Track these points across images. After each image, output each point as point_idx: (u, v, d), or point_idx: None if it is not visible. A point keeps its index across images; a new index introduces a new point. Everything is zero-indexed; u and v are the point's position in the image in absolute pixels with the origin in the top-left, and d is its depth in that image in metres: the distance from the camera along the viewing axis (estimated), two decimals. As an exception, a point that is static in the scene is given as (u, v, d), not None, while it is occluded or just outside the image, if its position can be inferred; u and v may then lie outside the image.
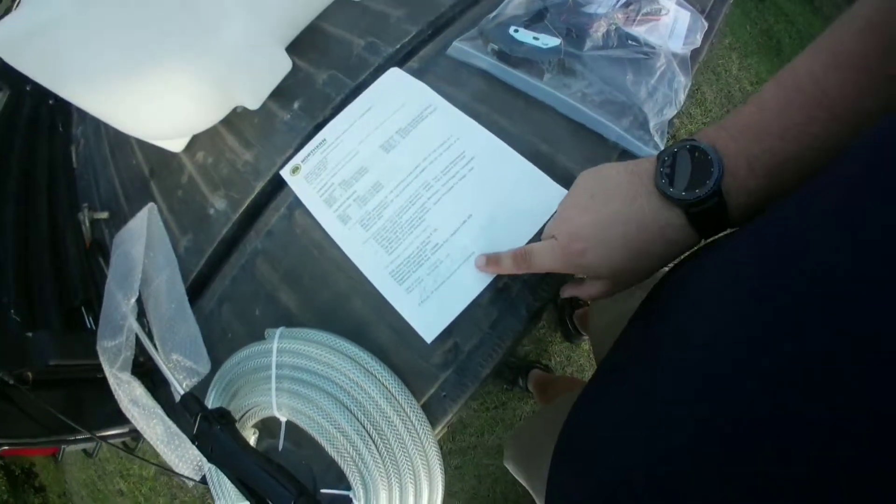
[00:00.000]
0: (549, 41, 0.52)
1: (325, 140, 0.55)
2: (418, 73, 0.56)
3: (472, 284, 0.45)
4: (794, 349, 0.22)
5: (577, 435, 0.43)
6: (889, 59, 0.28)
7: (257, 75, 0.59)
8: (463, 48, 0.55)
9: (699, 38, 0.58)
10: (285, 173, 0.55)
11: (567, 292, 0.44)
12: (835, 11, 2.05)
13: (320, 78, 0.60)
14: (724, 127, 0.33)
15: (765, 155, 0.31)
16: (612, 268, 0.37)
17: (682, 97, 0.52)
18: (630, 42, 0.54)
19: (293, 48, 0.62)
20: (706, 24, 0.60)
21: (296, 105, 0.59)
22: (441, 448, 1.35)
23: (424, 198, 0.49)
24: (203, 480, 0.48)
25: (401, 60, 0.58)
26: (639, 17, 0.57)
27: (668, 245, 0.35)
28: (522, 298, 0.45)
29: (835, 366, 0.19)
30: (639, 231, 0.35)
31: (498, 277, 0.45)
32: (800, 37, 2.00)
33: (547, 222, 0.43)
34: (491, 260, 0.44)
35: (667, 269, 0.43)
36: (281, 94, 0.60)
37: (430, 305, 0.45)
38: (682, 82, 0.53)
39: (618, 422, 0.38)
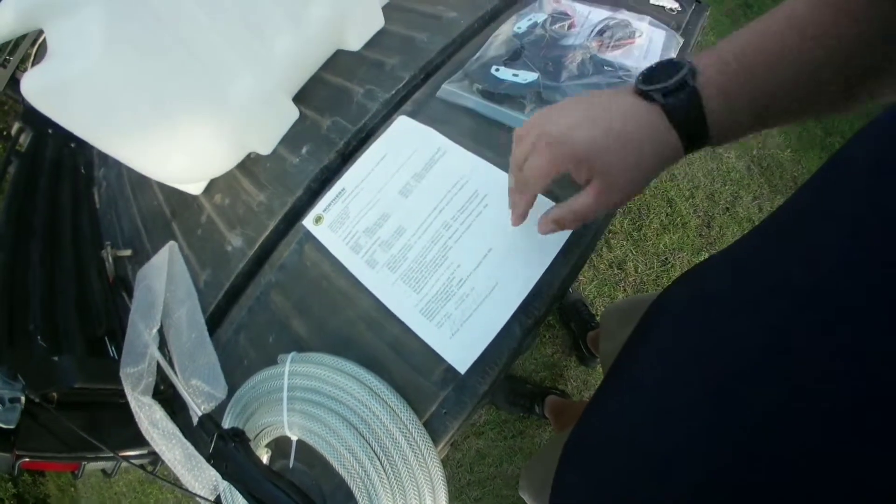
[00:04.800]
0: (528, 76, 0.56)
1: (344, 189, 0.58)
2: (412, 116, 0.60)
3: (499, 314, 0.47)
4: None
5: (574, 443, 0.45)
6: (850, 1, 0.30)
7: (268, 124, 0.64)
8: (451, 90, 0.60)
9: (674, 54, 0.61)
10: (308, 224, 0.58)
11: (549, 217, 0.41)
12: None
13: (324, 124, 0.65)
14: (707, 48, 0.36)
15: (734, 60, 0.34)
16: (601, 153, 0.35)
17: (660, 113, 0.55)
18: (606, 68, 0.57)
19: (299, 98, 0.68)
20: (682, 40, 0.63)
21: (304, 150, 0.64)
22: (460, 480, 1.34)
23: (445, 237, 0.52)
24: (218, 500, 0.50)
25: (396, 105, 0.63)
26: (613, 43, 0.60)
27: (653, 135, 0.35)
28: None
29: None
30: (623, 120, 0.35)
31: (522, 306, 0.47)
32: (791, 38, 2.01)
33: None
34: (513, 212, 0.44)
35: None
36: (290, 140, 0.66)
37: (461, 338, 0.47)
38: (660, 100, 0.56)
39: (608, 432, 0.41)
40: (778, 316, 0.24)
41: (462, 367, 0.46)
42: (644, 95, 0.36)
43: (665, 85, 0.34)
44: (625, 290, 1.49)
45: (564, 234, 0.49)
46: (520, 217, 0.44)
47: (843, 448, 0.19)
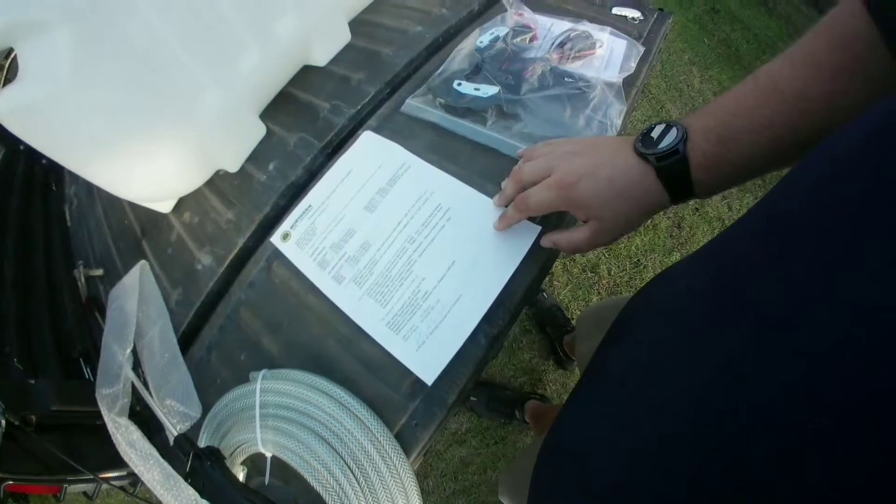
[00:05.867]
0: (489, 90, 0.58)
1: (310, 206, 0.59)
2: (377, 131, 0.61)
3: (463, 325, 0.48)
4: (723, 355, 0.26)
5: (550, 446, 0.46)
6: (833, 55, 0.34)
7: (235, 141, 0.65)
8: (415, 104, 0.61)
9: (634, 64, 0.63)
10: (276, 241, 0.59)
11: (551, 237, 0.48)
12: (790, 10, 2.12)
13: (291, 140, 0.65)
14: (694, 111, 0.41)
15: (718, 127, 0.38)
16: (601, 204, 0.42)
17: (618, 122, 0.57)
18: (566, 79, 0.59)
19: (266, 114, 0.69)
20: (642, 49, 0.65)
21: (271, 166, 0.64)
22: (445, 489, 1.34)
23: (410, 251, 0.53)
24: (198, 519, 0.51)
25: (362, 120, 0.64)
26: (573, 54, 0.62)
27: (645, 194, 0.41)
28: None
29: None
30: (623, 176, 0.41)
31: (487, 316, 0.48)
32: (757, 41, 2.06)
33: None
34: (500, 219, 0.50)
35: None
36: (257, 157, 0.66)
37: (427, 350, 0.48)
38: (618, 108, 0.58)
39: (583, 434, 0.42)
40: (768, 316, 0.24)
41: (429, 378, 0.47)
42: (641, 156, 0.41)
43: (659, 151, 0.40)
44: (599, 293, 1.52)
45: (526, 245, 0.50)
46: (507, 227, 0.50)
47: (838, 450, 0.19)
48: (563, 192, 0.43)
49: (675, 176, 0.40)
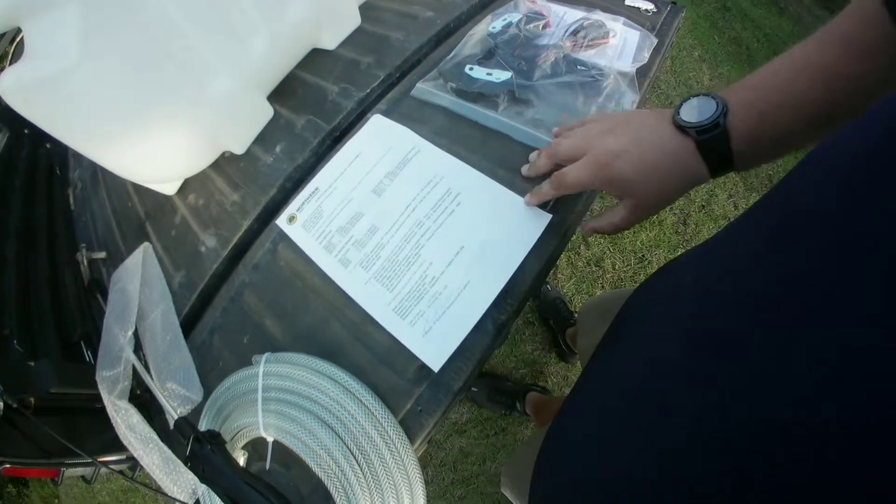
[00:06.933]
0: (501, 75, 0.57)
1: (317, 189, 0.58)
2: (386, 114, 0.60)
3: (471, 311, 0.48)
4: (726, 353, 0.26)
5: (551, 439, 0.46)
6: (862, 34, 0.33)
7: (242, 123, 0.64)
8: (425, 88, 0.60)
9: (647, 55, 0.63)
10: (282, 223, 0.58)
11: (590, 224, 0.48)
12: (801, 11, 2.10)
13: (299, 123, 0.65)
14: (733, 86, 0.41)
15: (758, 101, 0.38)
16: (635, 182, 0.42)
17: (631, 112, 0.56)
18: (579, 67, 0.58)
19: (274, 96, 0.68)
20: (655, 41, 0.64)
21: (277, 149, 0.64)
22: (444, 479, 1.34)
23: (418, 235, 0.52)
24: (197, 504, 0.51)
25: (371, 103, 0.63)
26: (587, 43, 0.61)
27: (683, 168, 0.41)
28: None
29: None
30: (660, 152, 0.41)
31: (495, 303, 0.48)
32: (768, 41, 2.04)
33: None
34: (533, 194, 0.50)
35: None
36: (264, 139, 0.65)
37: (434, 336, 0.47)
38: (631, 98, 0.58)
39: (584, 429, 0.41)
40: (773, 317, 0.24)
41: (436, 364, 0.46)
42: (681, 129, 0.40)
43: (700, 123, 0.39)
44: (603, 286, 1.51)
45: (535, 232, 0.49)
46: (539, 202, 0.50)
47: (848, 462, 0.19)
48: (600, 171, 0.43)
49: (716, 149, 0.40)
